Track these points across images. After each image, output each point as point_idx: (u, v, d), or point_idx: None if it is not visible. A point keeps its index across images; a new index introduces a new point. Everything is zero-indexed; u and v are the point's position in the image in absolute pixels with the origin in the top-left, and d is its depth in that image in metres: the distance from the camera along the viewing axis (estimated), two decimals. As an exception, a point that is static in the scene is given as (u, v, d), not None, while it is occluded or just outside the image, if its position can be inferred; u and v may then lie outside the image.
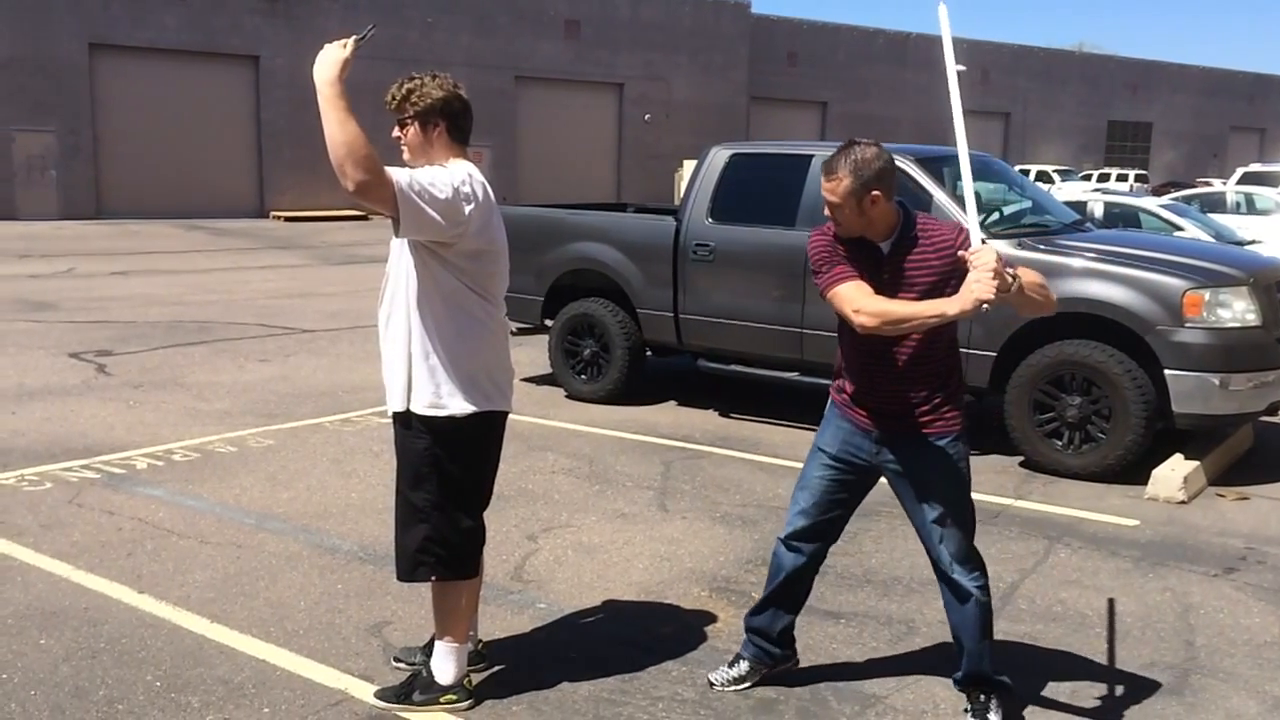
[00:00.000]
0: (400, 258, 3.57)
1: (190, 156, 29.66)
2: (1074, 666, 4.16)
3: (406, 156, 3.57)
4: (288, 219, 29.76)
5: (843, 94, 44.73)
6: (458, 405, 3.56)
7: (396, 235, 3.45)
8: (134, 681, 3.89)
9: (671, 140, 38.00)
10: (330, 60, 3.26)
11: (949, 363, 3.53)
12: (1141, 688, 4.01)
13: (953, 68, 3.42)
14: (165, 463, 6.67)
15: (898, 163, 7.45)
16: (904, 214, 3.48)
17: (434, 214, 3.32)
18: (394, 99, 3.53)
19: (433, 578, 3.70)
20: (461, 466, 3.63)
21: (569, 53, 36.62)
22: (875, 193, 3.36)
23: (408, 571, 3.71)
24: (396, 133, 3.56)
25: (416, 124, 3.52)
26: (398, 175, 3.27)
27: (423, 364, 3.55)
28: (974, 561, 3.58)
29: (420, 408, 3.57)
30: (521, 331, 9.38)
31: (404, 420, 3.64)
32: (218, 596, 4.64)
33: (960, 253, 3.29)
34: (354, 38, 3.34)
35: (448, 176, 3.41)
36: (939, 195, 7.12)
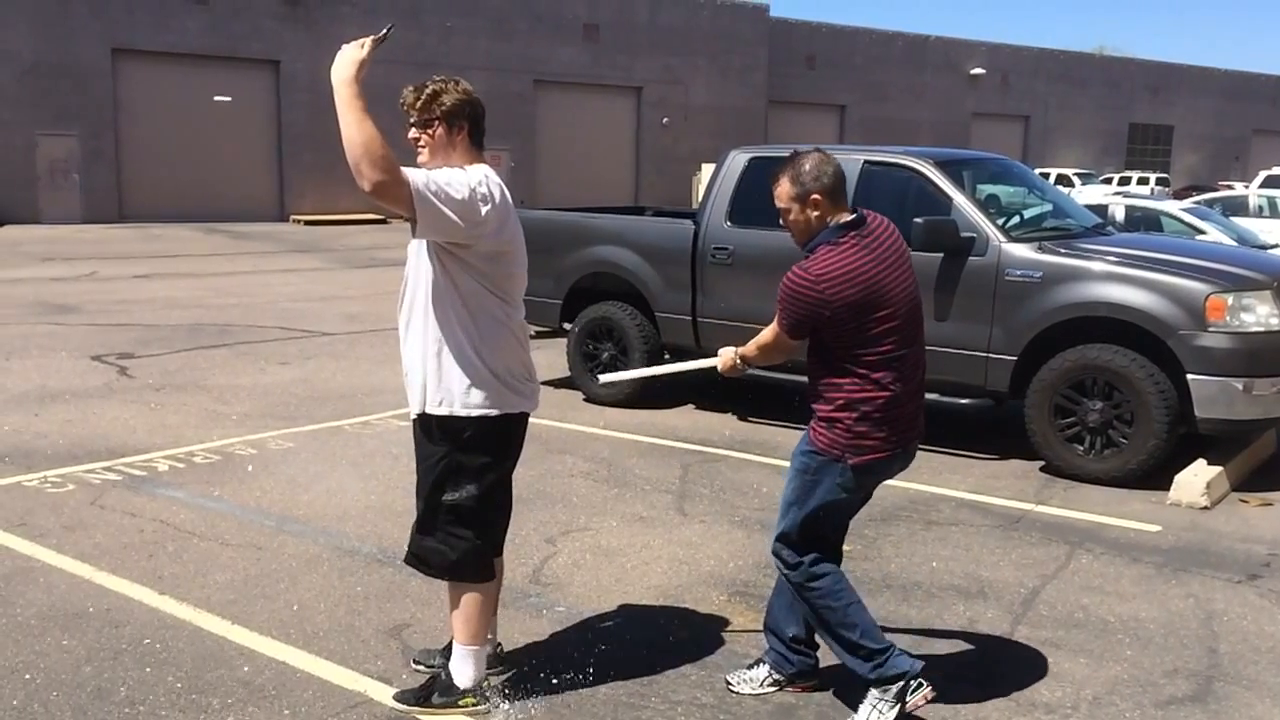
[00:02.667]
0: (419, 261, 3.57)
1: (211, 160, 29.83)
2: (1096, 673, 4.13)
3: (424, 158, 3.56)
4: (308, 222, 29.90)
5: (861, 97, 44.63)
6: (478, 408, 3.57)
7: (414, 236, 3.46)
8: (155, 683, 3.91)
9: (689, 143, 38.00)
10: (347, 60, 3.27)
11: (817, 384, 3.67)
12: (1164, 695, 3.97)
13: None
14: (186, 465, 6.71)
15: (918, 166, 7.46)
16: (820, 240, 3.56)
17: (451, 214, 3.33)
18: (418, 100, 3.53)
19: (445, 579, 3.73)
20: (481, 469, 3.63)
21: (587, 56, 36.66)
22: (815, 197, 3.55)
23: (419, 565, 3.73)
24: (414, 133, 3.56)
25: (443, 125, 3.52)
26: (414, 176, 3.28)
27: (445, 366, 3.56)
28: (779, 547, 3.77)
29: (444, 409, 3.58)
30: (540, 334, 9.40)
31: (424, 423, 3.65)
32: (238, 598, 4.66)
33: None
34: (371, 38, 3.35)
35: (464, 177, 3.41)
36: (958, 198, 7.10)
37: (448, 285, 3.52)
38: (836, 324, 3.51)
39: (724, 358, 4.03)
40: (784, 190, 3.61)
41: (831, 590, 3.69)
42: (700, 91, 39.25)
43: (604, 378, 5.28)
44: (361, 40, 3.33)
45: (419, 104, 3.52)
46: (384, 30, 3.47)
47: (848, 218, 3.59)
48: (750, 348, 3.91)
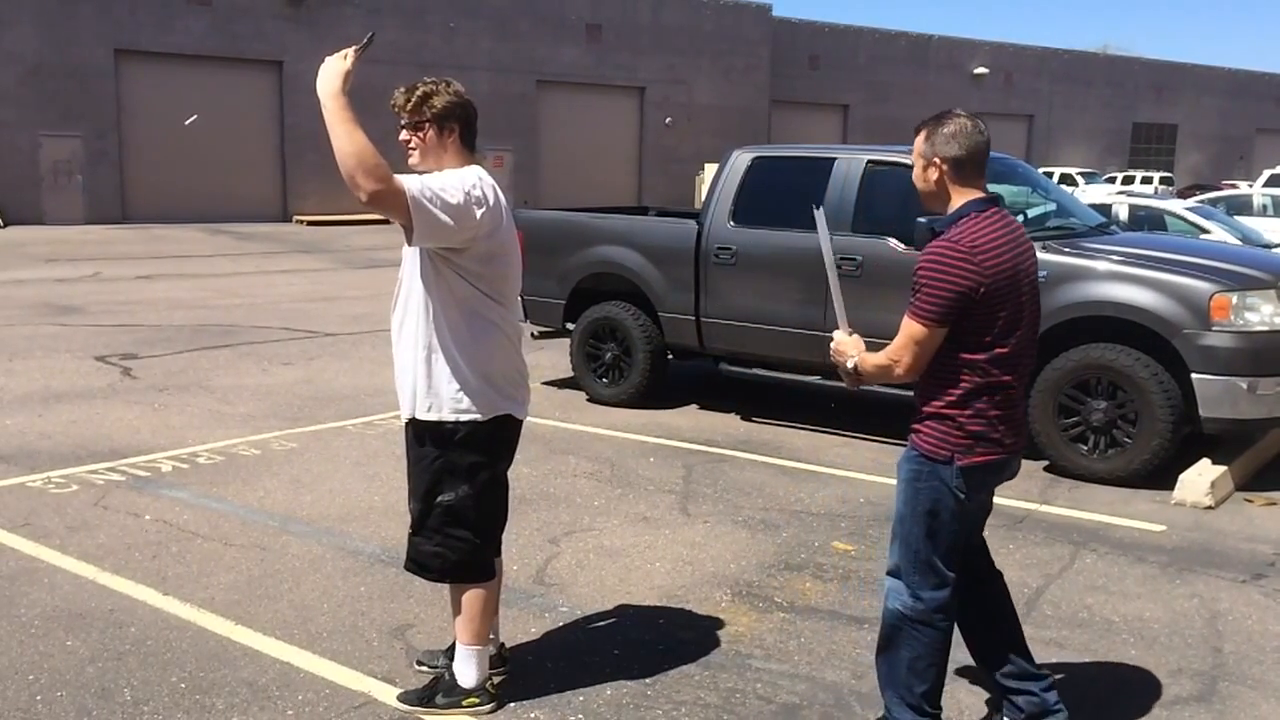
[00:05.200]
0: (413, 264, 3.56)
1: (215, 161, 29.86)
2: (1100, 673, 4.12)
3: (415, 160, 3.55)
4: (311, 223, 29.93)
5: (864, 96, 44.62)
6: (470, 411, 3.56)
7: (409, 244, 3.42)
8: (159, 683, 3.91)
9: (693, 144, 38.01)
10: (332, 73, 3.27)
11: (930, 379, 3.30)
12: (1169, 695, 3.97)
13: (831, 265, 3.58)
14: (190, 465, 6.71)
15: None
16: (962, 212, 3.27)
17: (447, 219, 3.32)
18: (409, 102, 3.52)
19: (446, 581, 3.73)
20: (474, 472, 3.62)
21: (590, 56, 36.68)
22: (937, 160, 3.30)
23: (420, 570, 3.74)
24: (405, 136, 3.55)
25: (434, 127, 3.51)
26: (409, 183, 3.27)
27: (436, 370, 3.55)
28: (897, 575, 3.43)
29: (433, 414, 3.57)
30: (543, 335, 9.41)
31: (416, 426, 3.64)
32: (242, 599, 4.67)
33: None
34: (354, 48, 3.35)
35: (458, 181, 3.41)
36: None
37: (441, 289, 3.51)
38: (982, 305, 3.15)
39: (844, 343, 3.44)
40: (918, 144, 3.35)
41: (932, 644, 3.36)
42: (703, 91, 39.26)
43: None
44: (344, 51, 3.33)
45: (409, 106, 3.51)
46: (365, 39, 3.46)
47: (980, 196, 3.29)
48: (875, 361, 3.32)
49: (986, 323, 3.19)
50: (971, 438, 3.26)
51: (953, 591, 3.40)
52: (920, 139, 3.35)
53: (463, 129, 3.55)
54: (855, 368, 3.40)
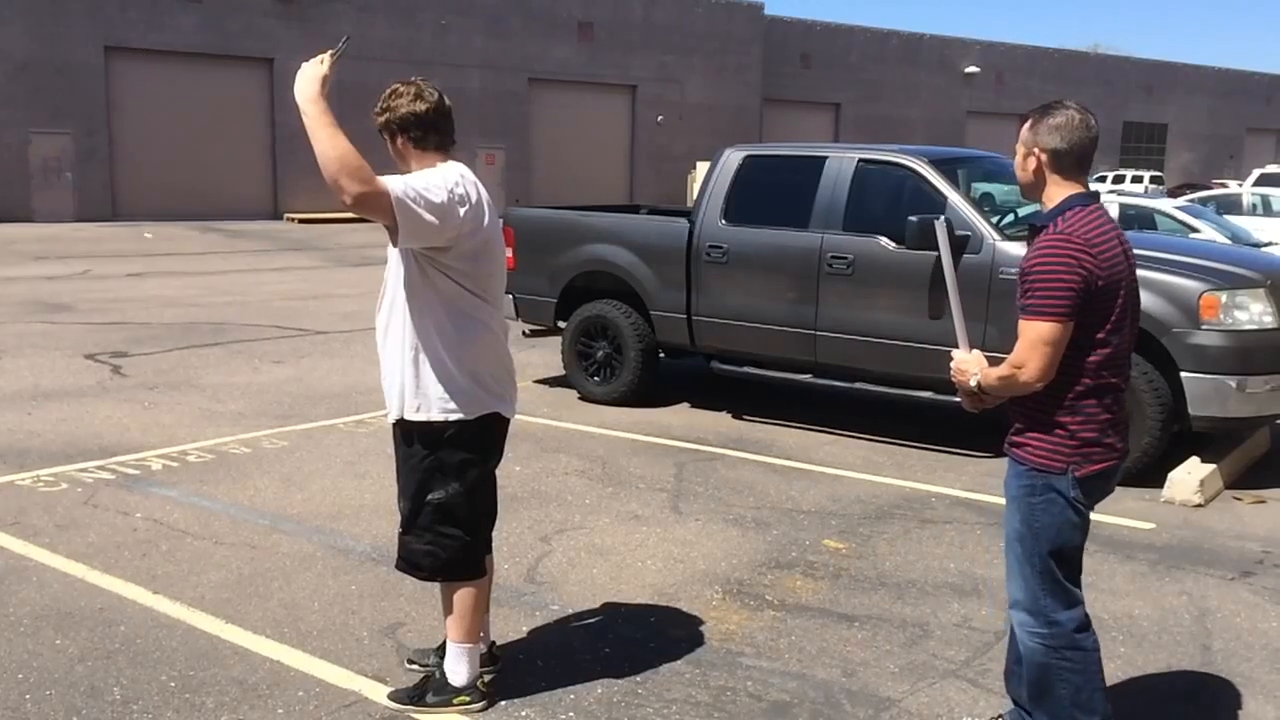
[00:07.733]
0: (398, 265, 3.56)
1: (205, 159, 29.80)
2: (1089, 670, 4.13)
3: (400, 168, 3.59)
4: (302, 221, 29.85)
5: (856, 95, 44.67)
6: (459, 410, 3.56)
7: (394, 244, 3.43)
8: (149, 682, 3.91)
9: (684, 142, 38.02)
10: (310, 78, 3.28)
11: (1048, 388, 3.11)
12: (1158, 693, 3.98)
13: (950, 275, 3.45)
14: (180, 464, 6.69)
15: (913, 165, 7.44)
16: (1066, 205, 3.13)
17: (431, 218, 3.32)
18: (377, 117, 3.57)
19: (438, 579, 3.73)
20: (463, 469, 3.62)
21: (582, 55, 36.67)
22: (1037, 150, 3.18)
23: (412, 569, 3.74)
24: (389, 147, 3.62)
25: (401, 136, 3.54)
26: (393, 184, 3.27)
27: (424, 370, 3.55)
28: (1024, 605, 3.23)
29: (421, 414, 3.57)
30: (535, 333, 9.40)
31: (404, 427, 3.64)
32: (232, 597, 4.66)
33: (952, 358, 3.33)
34: (330, 52, 3.35)
35: (441, 180, 3.41)
36: (953, 196, 7.09)
37: (428, 288, 3.51)
38: (1098, 300, 3.03)
39: (966, 361, 3.27)
40: (1022, 132, 3.22)
41: (1087, 668, 3.17)
42: (695, 90, 39.27)
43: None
44: (320, 55, 3.33)
45: (378, 121, 3.55)
46: (341, 43, 3.47)
47: (1082, 190, 3.16)
48: (998, 373, 3.14)
49: (1100, 320, 3.06)
50: (1086, 445, 3.11)
51: (1085, 607, 3.23)
52: (1025, 127, 3.21)
53: (426, 132, 3.54)
54: (979, 385, 3.22)
